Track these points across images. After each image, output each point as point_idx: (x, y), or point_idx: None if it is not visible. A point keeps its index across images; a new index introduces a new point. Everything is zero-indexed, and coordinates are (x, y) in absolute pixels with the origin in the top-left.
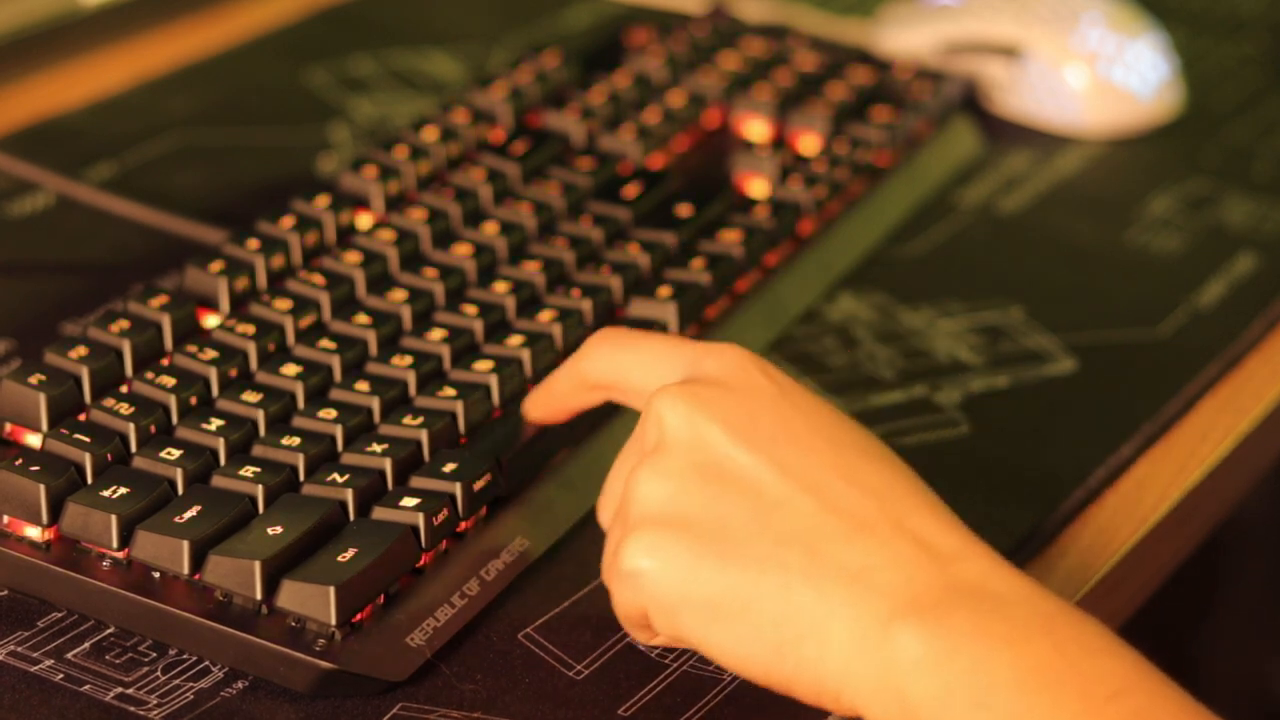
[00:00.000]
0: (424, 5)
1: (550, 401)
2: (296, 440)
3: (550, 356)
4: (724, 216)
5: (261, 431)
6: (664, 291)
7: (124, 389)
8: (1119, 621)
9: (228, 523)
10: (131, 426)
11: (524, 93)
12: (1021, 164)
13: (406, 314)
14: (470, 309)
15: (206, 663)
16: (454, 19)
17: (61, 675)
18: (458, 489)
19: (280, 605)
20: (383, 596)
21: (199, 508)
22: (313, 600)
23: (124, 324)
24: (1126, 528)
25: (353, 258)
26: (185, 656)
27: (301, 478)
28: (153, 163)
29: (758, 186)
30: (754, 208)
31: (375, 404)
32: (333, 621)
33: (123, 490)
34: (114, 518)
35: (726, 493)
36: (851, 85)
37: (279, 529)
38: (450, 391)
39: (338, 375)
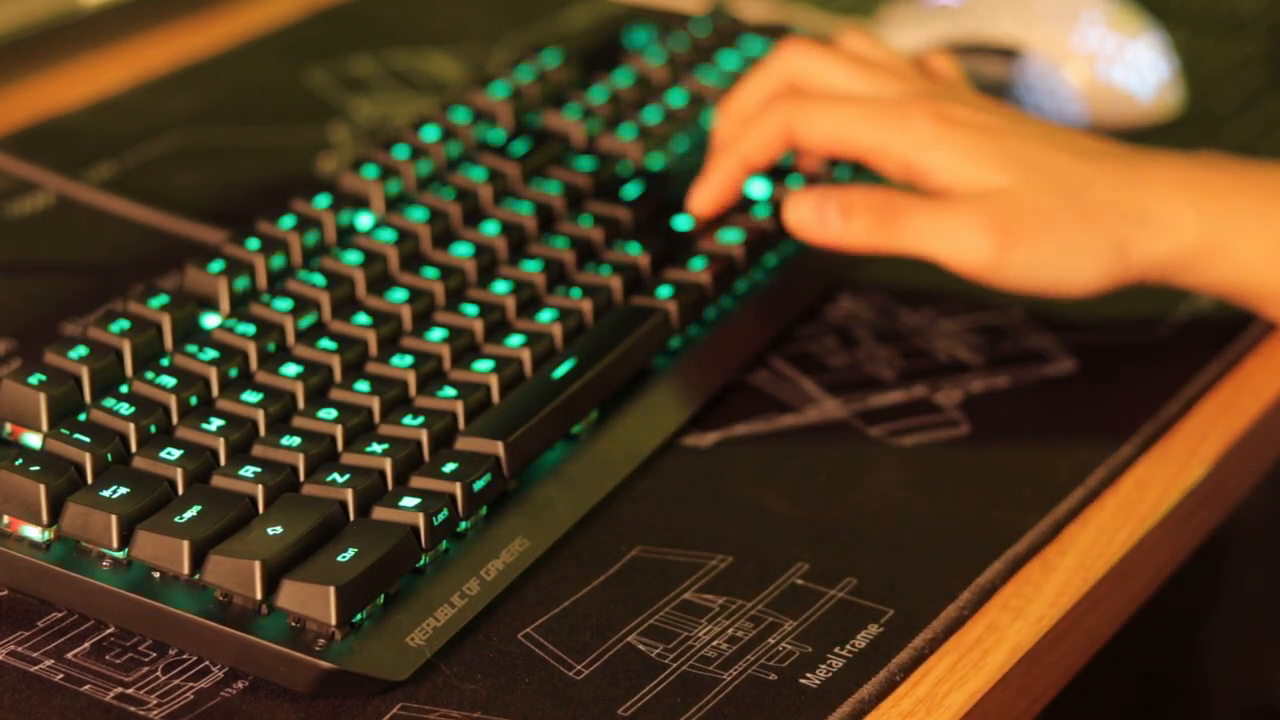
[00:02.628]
0: (424, 5)
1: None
2: (296, 440)
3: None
4: (724, 216)
5: (261, 431)
6: (664, 291)
7: (124, 389)
8: (1119, 621)
9: (228, 523)
10: (131, 426)
11: (524, 93)
12: None
13: (406, 314)
14: (470, 309)
15: (206, 663)
16: (454, 19)
17: (61, 675)
18: (458, 489)
19: (280, 605)
20: (383, 596)
21: (199, 508)
22: (313, 600)
23: (124, 324)
24: (1126, 528)
25: (353, 258)
26: (185, 656)
27: (301, 478)
28: (153, 163)
29: (758, 186)
30: (754, 208)
31: (375, 404)
32: (333, 621)
33: (123, 490)
34: (114, 518)
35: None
36: None
37: (279, 529)
38: (450, 391)
39: (338, 375)
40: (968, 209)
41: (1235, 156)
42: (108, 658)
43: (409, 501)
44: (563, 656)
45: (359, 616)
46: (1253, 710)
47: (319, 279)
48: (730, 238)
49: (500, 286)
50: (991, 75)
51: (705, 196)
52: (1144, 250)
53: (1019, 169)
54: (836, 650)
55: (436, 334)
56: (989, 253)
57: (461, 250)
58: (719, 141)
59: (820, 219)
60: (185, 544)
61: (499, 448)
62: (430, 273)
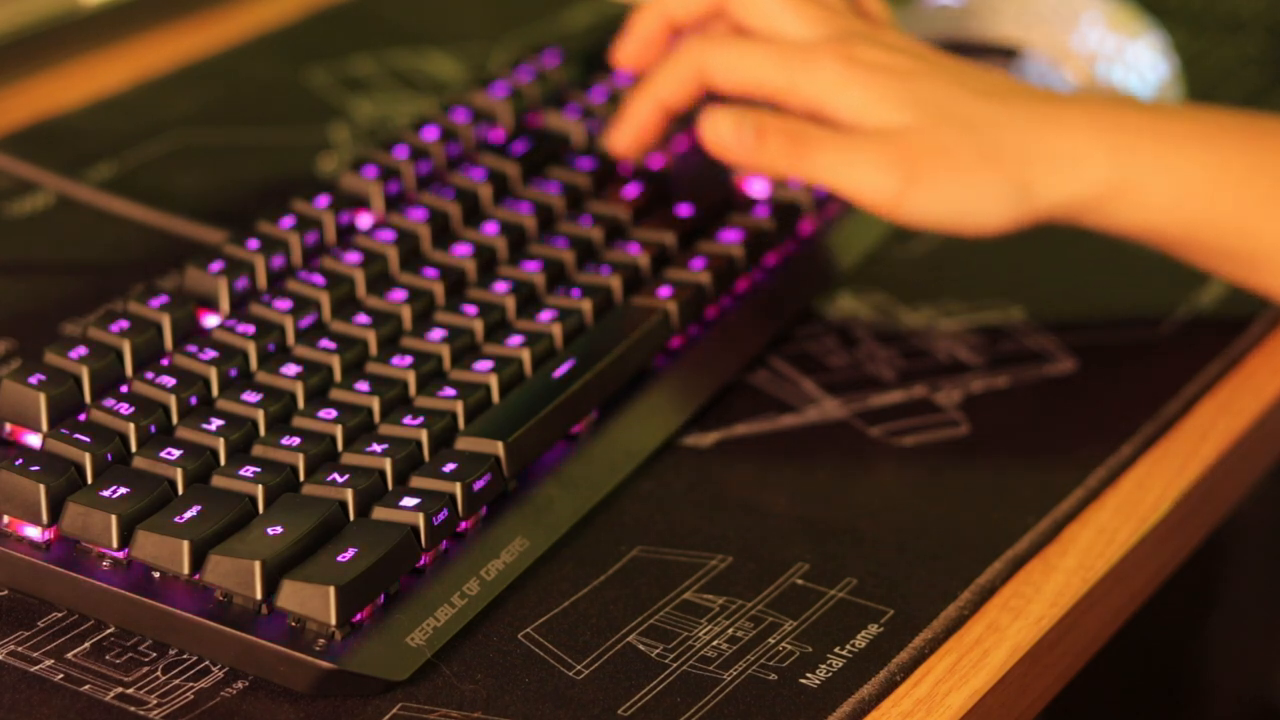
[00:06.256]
0: (424, 5)
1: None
2: (296, 440)
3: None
4: (724, 216)
5: (261, 431)
6: (664, 291)
7: (124, 389)
8: (1119, 622)
9: (228, 523)
10: (131, 426)
11: (524, 93)
12: None
13: (406, 314)
14: (470, 309)
15: (206, 663)
16: (454, 19)
17: (61, 675)
18: (458, 489)
19: (280, 605)
20: (383, 596)
21: (199, 508)
22: (313, 600)
23: (124, 324)
24: (1126, 528)
25: (353, 258)
26: (185, 656)
27: (301, 478)
28: (153, 163)
29: (758, 186)
30: (754, 208)
31: (375, 404)
32: (333, 621)
33: (123, 490)
34: (114, 518)
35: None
36: None
37: (279, 529)
38: (450, 391)
39: (338, 375)
40: (873, 145)
41: (1148, 99)
42: (108, 658)
43: (409, 501)
44: (563, 656)
45: (358, 616)
46: (1253, 710)
47: (319, 279)
48: (730, 238)
49: (500, 286)
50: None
51: (623, 139)
52: (1051, 191)
53: (925, 109)
54: (836, 650)
55: (436, 334)
56: (892, 189)
57: (461, 250)
58: (633, 37)
59: (737, 137)
60: (185, 544)
61: (499, 448)
62: (430, 273)
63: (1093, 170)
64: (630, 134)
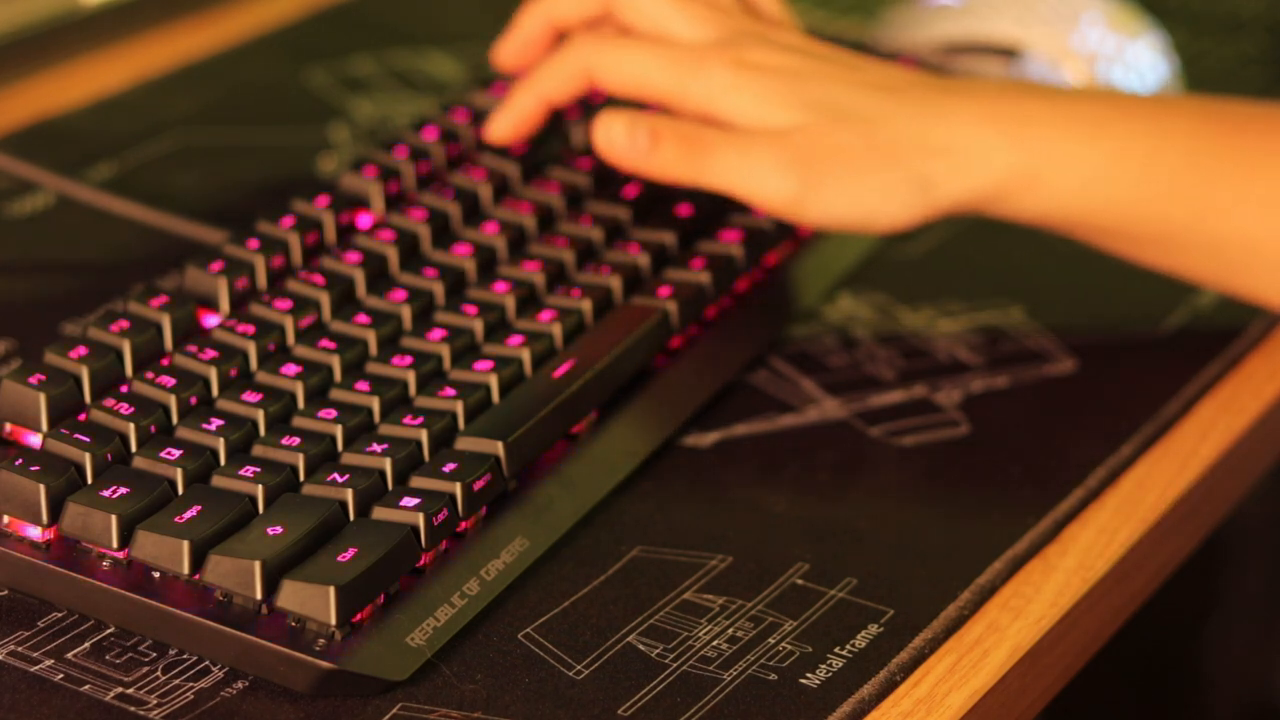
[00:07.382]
0: (424, 5)
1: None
2: (296, 440)
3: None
4: (724, 216)
5: (261, 431)
6: (664, 291)
7: (124, 389)
8: (1119, 622)
9: (228, 523)
10: (131, 426)
11: None
12: None
13: (406, 314)
14: (470, 309)
15: (206, 663)
16: (454, 19)
17: (61, 675)
18: (458, 489)
19: (280, 605)
20: (383, 596)
21: (199, 508)
22: (313, 600)
23: (124, 324)
24: (1126, 528)
25: (353, 258)
26: (185, 656)
27: (301, 478)
28: (153, 163)
29: None
30: (754, 207)
31: (375, 404)
32: (333, 621)
33: (123, 490)
34: (114, 518)
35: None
36: None
37: (279, 529)
38: (450, 391)
39: (338, 375)
40: (769, 148)
41: (1048, 85)
42: (108, 658)
43: (409, 501)
44: (563, 656)
45: (358, 616)
46: (1253, 710)
47: (319, 279)
48: (730, 238)
49: (500, 286)
50: (991, 75)
51: (502, 126)
52: (951, 185)
53: (819, 109)
54: (836, 650)
55: (436, 334)
56: (791, 191)
57: (461, 250)
58: (515, 37)
59: (630, 142)
60: (185, 544)
61: (499, 448)
62: (430, 273)
63: (992, 162)
64: (509, 124)
